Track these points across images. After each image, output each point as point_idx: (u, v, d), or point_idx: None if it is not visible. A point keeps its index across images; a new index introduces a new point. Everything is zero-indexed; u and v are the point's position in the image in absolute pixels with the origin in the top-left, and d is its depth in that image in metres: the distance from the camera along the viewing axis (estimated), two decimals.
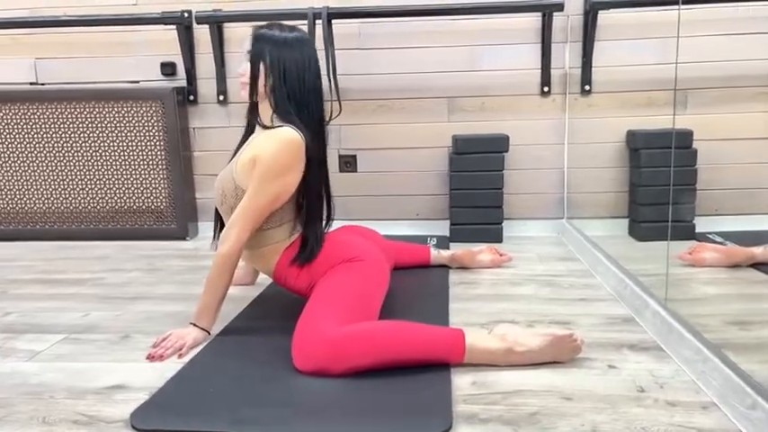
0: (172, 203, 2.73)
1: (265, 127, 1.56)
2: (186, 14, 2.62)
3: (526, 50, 2.61)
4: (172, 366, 1.38)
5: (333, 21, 2.51)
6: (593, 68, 2.59)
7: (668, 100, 2.65)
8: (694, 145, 2.54)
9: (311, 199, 1.60)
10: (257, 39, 1.55)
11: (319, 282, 1.51)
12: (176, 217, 2.73)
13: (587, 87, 2.60)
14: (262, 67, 1.54)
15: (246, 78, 1.56)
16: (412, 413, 1.14)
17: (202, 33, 2.68)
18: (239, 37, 2.68)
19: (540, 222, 2.71)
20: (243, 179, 1.54)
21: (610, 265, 1.98)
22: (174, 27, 2.63)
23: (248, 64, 1.56)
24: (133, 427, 1.13)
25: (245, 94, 1.58)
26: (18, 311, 1.80)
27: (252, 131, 1.65)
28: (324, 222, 1.66)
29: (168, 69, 2.74)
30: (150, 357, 1.43)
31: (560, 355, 1.34)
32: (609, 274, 1.97)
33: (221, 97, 2.73)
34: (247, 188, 1.51)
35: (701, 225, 2.55)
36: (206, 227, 2.81)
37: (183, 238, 2.73)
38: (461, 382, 1.28)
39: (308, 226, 1.59)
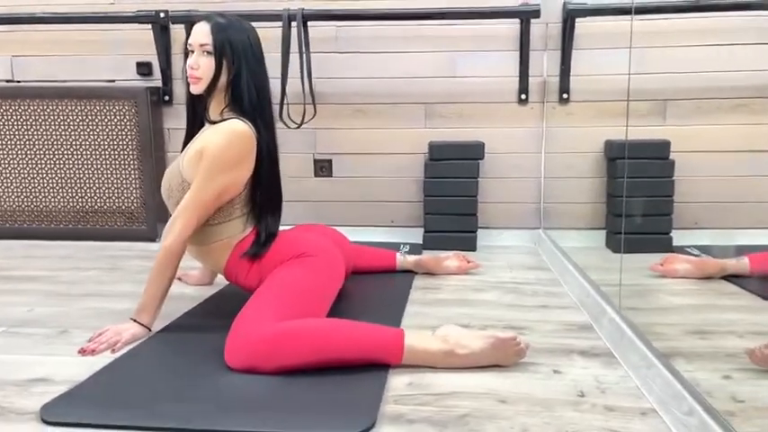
0: (142, 204, 2.69)
1: (213, 122, 1.52)
2: (162, 14, 2.61)
3: (504, 58, 2.58)
4: (102, 361, 1.33)
5: (309, 23, 2.49)
6: (571, 77, 2.56)
7: (647, 110, 2.61)
8: (672, 156, 2.50)
9: (263, 194, 1.56)
10: (218, 30, 1.51)
11: (270, 278, 1.46)
12: (146, 218, 2.69)
13: (565, 96, 2.57)
14: (224, 60, 1.50)
15: (201, 73, 1.51)
16: (336, 411, 1.09)
17: (179, 33, 2.66)
18: None
19: (516, 232, 2.66)
20: (189, 173, 1.50)
21: (576, 273, 1.93)
22: (150, 27, 2.61)
23: (206, 58, 1.51)
24: (43, 420, 1.08)
25: (197, 89, 1.53)
26: None
27: (199, 126, 1.60)
28: (276, 218, 1.61)
29: (144, 69, 2.72)
30: (82, 351, 1.38)
31: (503, 358, 1.29)
32: (575, 283, 1.91)
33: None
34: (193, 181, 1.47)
35: (679, 238, 2.50)
36: None
37: (153, 240, 2.69)
38: (397, 382, 1.22)
39: (260, 221, 1.55)
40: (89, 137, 2.66)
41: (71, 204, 2.71)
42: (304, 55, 2.45)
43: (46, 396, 1.16)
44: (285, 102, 2.46)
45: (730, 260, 2.02)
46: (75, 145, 2.67)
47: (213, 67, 1.48)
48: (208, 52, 1.49)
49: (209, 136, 1.48)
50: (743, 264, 1.96)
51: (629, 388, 1.20)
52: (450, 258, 2.12)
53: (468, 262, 2.14)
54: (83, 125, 2.66)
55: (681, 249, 2.43)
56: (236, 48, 1.49)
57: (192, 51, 1.50)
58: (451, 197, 2.53)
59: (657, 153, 2.46)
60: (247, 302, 1.37)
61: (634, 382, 1.22)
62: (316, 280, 1.44)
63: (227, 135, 1.45)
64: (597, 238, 2.61)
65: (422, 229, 2.63)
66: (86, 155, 2.68)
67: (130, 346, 1.42)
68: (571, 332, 1.54)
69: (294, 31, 2.46)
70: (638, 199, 2.48)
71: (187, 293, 1.85)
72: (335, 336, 1.26)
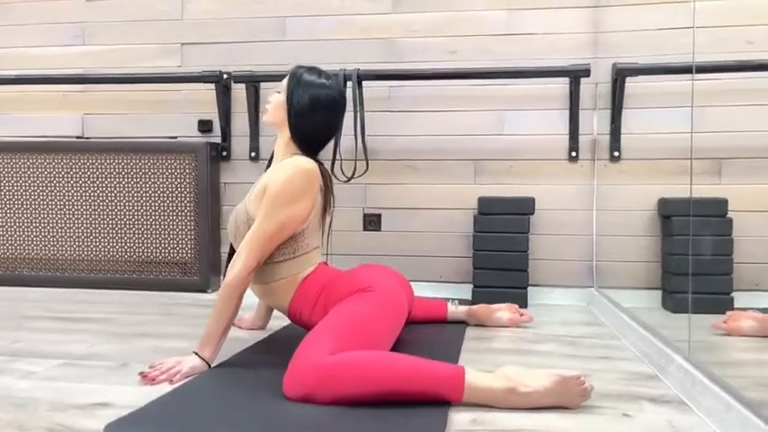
0: (196, 255, 2.75)
1: (279, 158, 1.58)
2: (225, 75, 2.75)
3: (554, 116, 2.62)
4: (160, 390, 1.34)
5: (363, 82, 2.59)
6: (621, 135, 2.57)
7: (703, 169, 2.59)
8: (729, 215, 2.45)
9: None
10: (292, 75, 1.63)
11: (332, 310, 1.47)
12: (200, 269, 2.75)
13: (616, 154, 2.57)
14: (285, 97, 1.59)
15: (269, 106, 1.63)
16: None
17: (239, 93, 2.79)
18: None
19: (568, 290, 2.61)
20: (254, 208, 1.54)
21: (636, 326, 1.87)
22: (213, 86, 2.75)
23: (277, 94, 1.63)
24: None
25: (265, 119, 1.64)
26: (26, 341, 1.79)
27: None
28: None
29: (205, 126, 2.85)
30: (142, 375, 1.39)
31: (566, 399, 1.24)
32: (635, 336, 1.85)
33: (253, 154, 2.81)
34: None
35: (740, 300, 2.41)
36: None
37: (204, 291, 2.73)
38: (460, 418, 1.19)
39: None
40: (150, 189, 2.77)
41: (128, 254, 2.79)
42: (358, 113, 2.54)
43: (107, 418, 1.17)
44: (338, 157, 2.52)
45: None
46: (137, 197, 2.78)
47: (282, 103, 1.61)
48: (278, 92, 1.62)
49: (273, 171, 1.54)
50: None
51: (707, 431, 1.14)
52: (503, 310, 2.09)
53: (522, 315, 2.10)
54: (144, 178, 2.77)
55: (743, 311, 2.34)
56: (296, 91, 1.58)
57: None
58: (501, 252, 2.51)
59: (715, 211, 2.42)
60: (309, 333, 1.37)
61: (710, 426, 1.16)
62: (378, 314, 1.44)
63: (288, 170, 1.50)
64: (652, 298, 2.54)
65: (470, 285, 2.61)
66: (146, 207, 2.77)
67: (189, 378, 1.42)
68: (636, 380, 1.48)
69: (349, 90, 2.56)
70: (697, 257, 2.43)
71: (241, 336, 1.86)
72: (395, 368, 1.24)
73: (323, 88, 1.60)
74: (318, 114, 1.58)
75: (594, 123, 2.61)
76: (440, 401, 1.24)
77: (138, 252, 2.78)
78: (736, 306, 2.36)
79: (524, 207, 2.50)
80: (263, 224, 1.48)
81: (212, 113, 2.82)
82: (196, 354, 1.49)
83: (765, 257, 2.44)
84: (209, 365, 1.50)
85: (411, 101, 2.70)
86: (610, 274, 2.58)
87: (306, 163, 1.51)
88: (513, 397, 1.23)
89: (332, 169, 2.49)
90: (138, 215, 2.78)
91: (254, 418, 1.16)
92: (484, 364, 1.59)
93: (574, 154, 2.60)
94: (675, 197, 2.50)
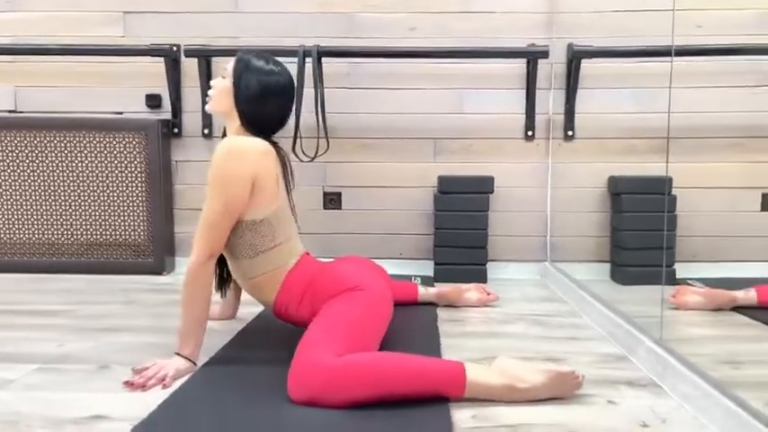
0: (150, 237, 2.66)
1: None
2: (175, 48, 2.62)
3: (511, 95, 2.67)
4: (155, 397, 1.31)
5: (323, 59, 2.53)
6: (575, 115, 2.65)
7: (649, 147, 2.72)
8: (674, 191, 2.60)
9: None
10: (239, 61, 1.57)
11: (320, 310, 1.47)
12: (154, 251, 2.66)
13: (570, 133, 2.66)
14: (230, 83, 1.55)
15: (213, 92, 1.58)
16: None
17: (189, 67, 2.67)
18: None
19: (523, 265, 2.71)
20: None
21: (599, 305, 1.97)
22: (162, 59, 2.62)
23: (222, 79, 1.58)
24: None
25: (210, 108, 1.59)
26: None
27: None
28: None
29: (153, 101, 2.71)
30: (129, 384, 1.36)
31: (561, 391, 1.32)
32: (596, 314, 1.96)
33: (206, 131, 2.71)
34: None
35: (681, 271, 2.59)
36: (183, 262, 2.74)
37: (160, 273, 2.65)
38: (461, 415, 1.24)
39: None
40: (97, 168, 2.63)
41: (76, 237, 2.66)
42: (318, 90, 2.49)
43: None
44: (299, 135, 2.48)
45: (738, 292, 2.10)
46: (83, 177, 2.64)
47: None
48: (223, 77, 1.58)
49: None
50: (751, 296, 2.04)
51: (688, 418, 1.24)
52: (471, 290, 2.15)
53: (488, 294, 2.17)
54: (91, 157, 2.63)
55: (683, 282, 2.52)
56: (243, 77, 1.54)
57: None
58: (462, 230, 2.57)
59: (661, 188, 2.56)
60: (306, 335, 1.37)
61: (689, 412, 1.27)
62: (370, 314, 1.46)
63: (219, 152, 1.46)
64: (601, 270, 2.68)
65: (430, 262, 2.67)
66: (93, 187, 2.64)
67: (181, 381, 1.40)
68: (609, 363, 1.58)
69: (309, 66, 2.50)
70: (642, 232, 2.58)
71: (214, 328, 1.83)
72: (400, 369, 1.27)
73: (272, 75, 1.55)
74: (270, 101, 1.54)
75: (550, 103, 2.68)
76: (440, 398, 1.28)
77: (87, 235, 2.66)
78: (677, 276, 2.54)
79: (484, 186, 2.56)
80: (204, 212, 1.46)
81: (160, 87, 2.69)
82: (178, 354, 1.46)
83: (703, 231, 2.62)
84: (195, 363, 1.47)
85: (370, 78, 2.67)
86: (562, 248, 2.69)
87: (242, 143, 1.46)
88: (511, 393, 1.29)
89: (293, 148, 2.47)
90: (85, 196, 2.64)
91: (272, 426, 1.17)
92: (465, 351, 1.65)
93: (530, 133, 2.67)
94: (624, 175, 2.63)
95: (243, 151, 1.46)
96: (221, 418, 1.20)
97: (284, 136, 2.55)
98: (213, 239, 1.46)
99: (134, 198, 2.65)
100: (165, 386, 1.37)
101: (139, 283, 2.47)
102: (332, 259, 2.01)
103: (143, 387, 1.36)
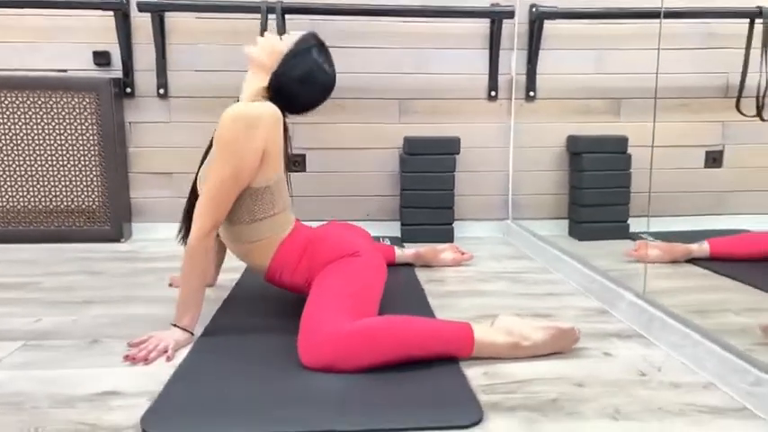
0: (106, 202, 2.54)
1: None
2: (125, 1, 2.46)
3: (475, 55, 2.68)
4: (160, 371, 1.28)
5: (286, 16, 2.45)
6: (537, 75, 2.70)
7: (605, 108, 2.82)
8: (629, 150, 2.72)
9: None
10: (305, 40, 1.52)
11: (319, 276, 1.46)
12: (110, 217, 2.55)
13: (532, 93, 2.71)
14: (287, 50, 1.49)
15: (264, 42, 1.51)
16: (440, 404, 1.13)
17: (141, 22, 2.52)
18: (182, 28, 2.56)
19: (487, 223, 2.78)
20: None
21: (572, 261, 2.06)
22: (112, 14, 2.46)
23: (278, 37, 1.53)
24: None
25: (251, 53, 1.51)
26: None
27: None
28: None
29: (101, 59, 2.55)
30: (131, 359, 1.32)
31: (561, 347, 1.38)
32: (569, 270, 2.05)
33: (161, 91, 2.59)
34: None
35: (633, 226, 2.73)
36: (142, 228, 2.65)
37: (118, 240, 2.55)
38: (473, 373, 1.28)
39: None
40: (44, 131, 2.47)
41: (27, 204, 2.50)
42: None
43: (130, 409, 1.11)
44: None
45: (693, 245, 2.25)
46: (29, 140, 2.47)
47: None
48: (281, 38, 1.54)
49: (221, 119, 1.44)
50: (704, 248, 2.19)
51: (678, 365, 1.33)
52: (446, 251, 2.20)
53: (463, 254, 2.22)
54: (37, 118, 2.46)
55: (636, 236, 2.67)
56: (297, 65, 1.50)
57: None
58: (429, 191, 2.60)
59: (617, 148, 2.67)
60: (310, 304, 1.37)
61: (678, 360, 1.36)
62: (372, 279, 1.47)
63: (229, 115, 1.40)
64: (560, 227, 2.79)
65: (397, 223, 2.69)
66: (41, 151, 2.48)
67: (183, 353, 1.37)
68: (593, 317, 1.67)
69: (273, 22, 2.42)
70: (600, 190, 2.69)
71: None
72: (413, 332, 1.29)
73: (323, 72, 1.52)
74: (305, 89, 1.51)
75: (513, 64, 2.71)
76: (449, 358, 1.31)
77: (38, 202, 2.51)
78: (631, 231, 2.68)
79: (450, 147, 2.59)
80: (211, 180, 1.42)
81: (108, 44, 2.53)
82: (175, 326, 1.43)
83: (655, 188, 2.76)
84: (192, 334, 1.45)
85: (335, 36, 2.61)
86: (523, 206, 2.78)
87: (256, 109, 1.42)
88: (516, 350, 1.34)
89: None
90: (33, 160, 2.48)
91: (298, 393, 1.17)
92: (456, 312, 1.69)
93: (493, 93, 2.71)
94: (582, 134, 2.72)
95: (258, 118, 1.41)
96: (242, 387, 1.19)
97: None
98: (219, 209, 1.42)
99: (87, 162, 2.51)
100: (168, 359, 1.34)
101: (99, 252, 2.37)
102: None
103: (145, 361, 1.32)
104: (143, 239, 2.60)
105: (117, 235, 2.55)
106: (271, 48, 1.50)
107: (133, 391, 1.19)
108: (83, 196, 2.52)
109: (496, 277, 2.06)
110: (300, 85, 1.49)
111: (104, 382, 1.23)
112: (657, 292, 1.98)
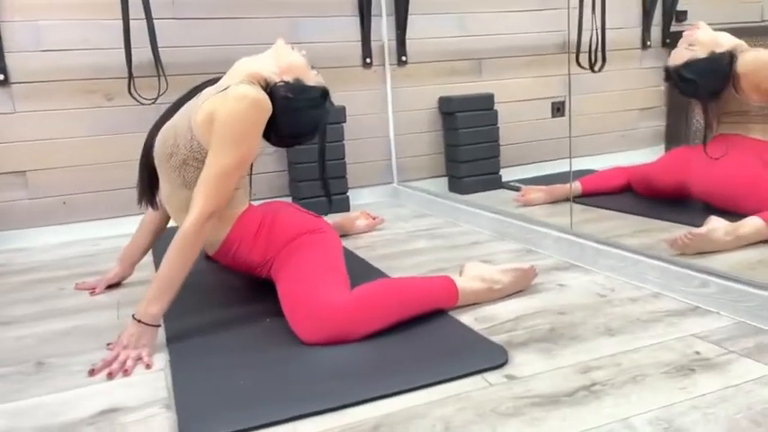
0: None
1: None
2: None
3: (346, 23, 2.69)
4: (147, 377, 1.16)
5: None
6: (407, 41, 2.79)
7: (468, 69, 3.00)
8: (495, 107, 2.93)
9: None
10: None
11: (285, 253, 1.40)
12: None
13: (404, 58, 2.80)
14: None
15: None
16: (463, 352, 1.17)
17: None
18: (21, 3, 2.22)
19: (375, 188, 2.84)
20: (201, 133, 1.35)
21: (479, 211, 2.19)
22: None
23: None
24: None
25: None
26: None
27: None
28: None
29: None
30: (109, 375, 1.17)
31: (522, 285, 1.50)
32: (479, 219, 2.18)
33: (1, 76, 2.23)
34: (208, 147, 1.32)
35: (504, 176, 2.98)
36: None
37: None
38: (466, 320, 1.34)
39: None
40: None
41: None
42: (147, 22, 2.21)
43: (149, 422, 0.99)
44: (132, 75, 2.22)
45: (566, 185, 2.52)
46: None
47: None
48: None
49: (223, 99, 1.34)
50: (576, 187, 2.46)
51: (624, 284, 1.52)
52: (360, 218, 2.22)
53: (374, 218, 2.26)
54: None
55: (507, 184, 2.91)
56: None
57: None
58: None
59: (484, 105, 2.88)
60: (293, 279, 1.33)
61: (620, 279, 1.55)
62: (339, 252, 1.47)
63: (241, 100, 1.33)
64: (440, 184, 2.95)
65: (288, 198, 2.64)
66: None
67: (162, 357, 1.25)
68: (523, 256, 1.81)
69: None
70: (475, 146, 2.88)
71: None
72: (405, 293, 1.32)
73: (322, 109, 1.52)
74: (287, 120, 1.43)
75: (383, 30, 2.77)
76: (436, 311, 1.36)
77: None
78: (503, 181, 2.92)
79: (337, 116, 2.58)
80: (214, 165, 1.31)
81: None
82: (139, 321, 1.27)
83: (517, 139, 3.02)
84: (158, 326, 1.31)
85: (198, 7, 2.45)
86: (406, 168, 2.88)
87: (259, 94, 1.35)
88: (491, 294, 1.43)
89: (129, 90, 2.19)
90: None
91: (322, 370, 1.14)
92: (403, 271, 1.73)
93: (368, 60, 2.74)
94: (452, 95, 2.88)
95: (263, 102, 1.36)
96: (254, 377, 1.12)
97: (120, 77, 2.25)
98: (221, 194, 1.31)
99: None
100: (148, 366, 1.21)
101: None
102: None
103: (126, 373, 1.18)
104: (3, 251, 2.25)
105: None
106: (290, 61, 1.47)
107: (136, 403, 1.06)
108: None
109: (414, 236, 2.13)
110: (284, 115, 1.42)
111: (95, 401, 1.08)
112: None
